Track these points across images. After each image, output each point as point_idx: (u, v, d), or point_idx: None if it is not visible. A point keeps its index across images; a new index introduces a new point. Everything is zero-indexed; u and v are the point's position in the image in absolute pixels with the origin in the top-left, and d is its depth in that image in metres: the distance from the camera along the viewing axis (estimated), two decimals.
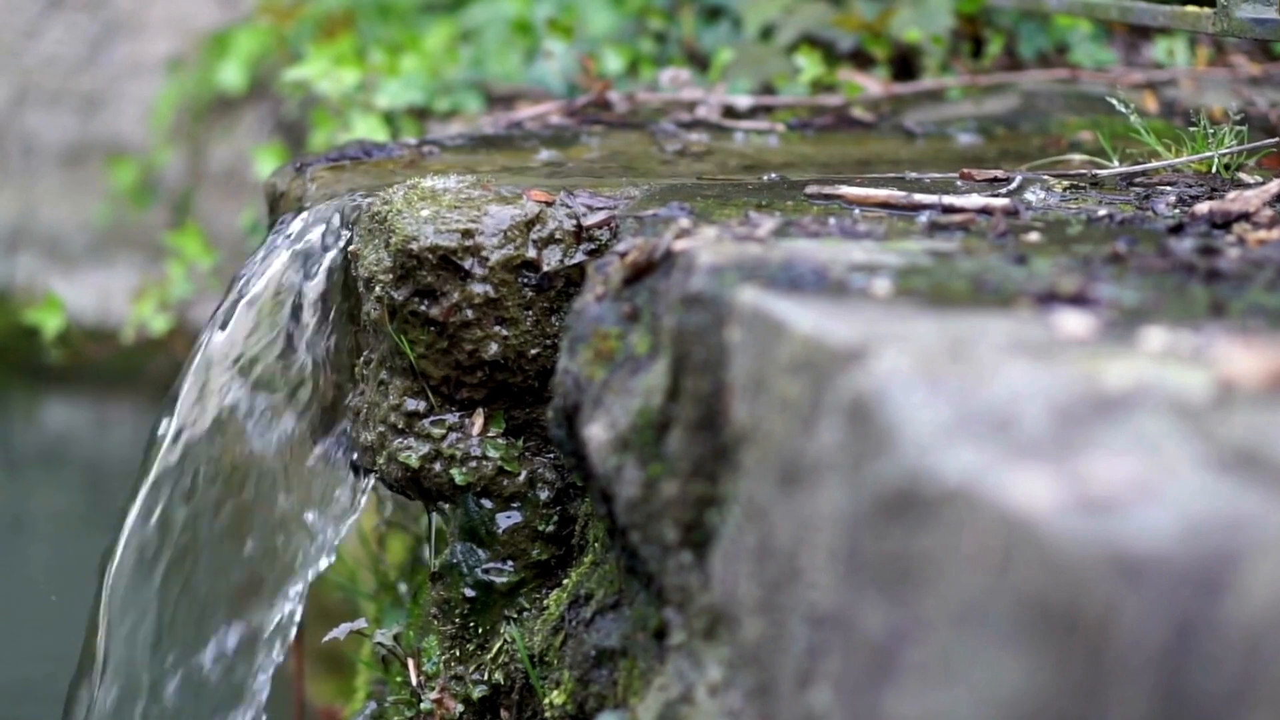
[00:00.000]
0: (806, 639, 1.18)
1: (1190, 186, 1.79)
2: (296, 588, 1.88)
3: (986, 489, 0.96)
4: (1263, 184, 1.71)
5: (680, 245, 1.47)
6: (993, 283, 1.35)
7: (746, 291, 1.33)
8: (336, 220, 1.84)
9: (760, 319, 1.30)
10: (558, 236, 1.74)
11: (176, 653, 1.87)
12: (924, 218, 1.62)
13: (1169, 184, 1.80)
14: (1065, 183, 1.79)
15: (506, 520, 1.78)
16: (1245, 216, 1.60)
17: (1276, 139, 1.93)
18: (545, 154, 2.11)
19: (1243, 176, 1.85)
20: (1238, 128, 1.88)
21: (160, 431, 1.84)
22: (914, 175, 1.85)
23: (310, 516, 1.88)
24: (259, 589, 1.88)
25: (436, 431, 1.78)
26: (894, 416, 1.06)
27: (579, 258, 1.74)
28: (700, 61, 2.67)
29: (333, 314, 1.86)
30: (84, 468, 4.08)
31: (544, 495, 1.78)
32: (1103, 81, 2.51)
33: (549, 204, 1.75)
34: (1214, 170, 1.86)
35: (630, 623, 1.57)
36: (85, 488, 3.96)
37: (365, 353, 1.84)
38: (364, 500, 1.90)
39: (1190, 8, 2.00)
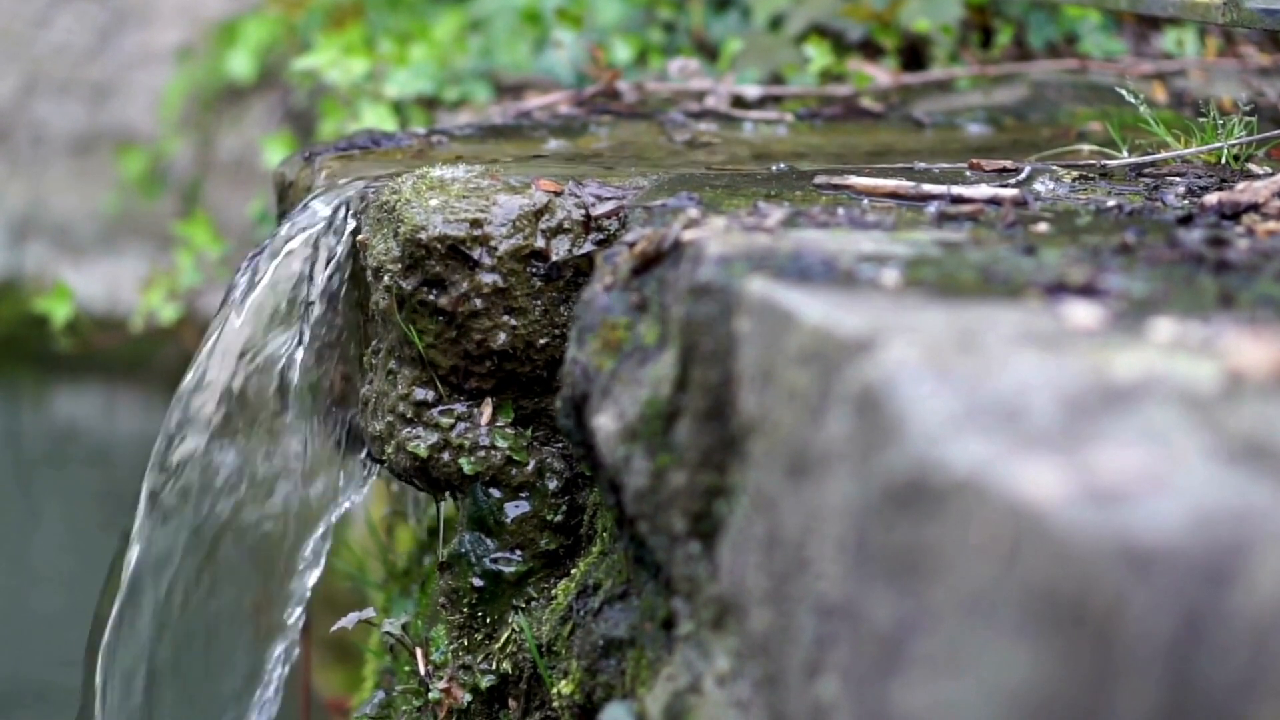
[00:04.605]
0: (814, 629, 1.18)
1: (1199, 177, 1.79)
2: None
3: (995, 480, 0.96)
4: (1272, 175, 1.71)
5: (689, 235, 1.47)
6: (1001, 273, 1.35)
7: (755, 282, 1.33)
8: (344, 210, 1.84)
9: (769, 309, 1.30)
10: (566, 226, 1.74)
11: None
12: (933, 208, 1.62)
13: (1178, 175, 1.80)
14: (1074, 173, 1.79)
15: (515, 510, 1.78)
16: (1254, 207, 1.60)
17: None
18: (554, 144, 2.11)
19: (1252, 167, 1.84)
20: (1247, 118, 1.87)
21: (168, 424, 1.85)
22: (923, 165, 1.84)
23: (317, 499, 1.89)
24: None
25: (445, 421, 1.78)
26: (902, 407, 1.06)
27: (587, 248, 1.74)
28: (709, 51, 2.67)
29: (340, 303, 1.86)
30: (93, 456, 4.09)
31: (552, 485, 1.78)
32: (1112, 72, 2.50)
33: (558, 194, 1.75)
34: (1223, 161, 1.85)
35: (638, 613, 1.57)
36: (94, 476, 3.96)
37: (374, 342, 1.84)
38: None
39: None
